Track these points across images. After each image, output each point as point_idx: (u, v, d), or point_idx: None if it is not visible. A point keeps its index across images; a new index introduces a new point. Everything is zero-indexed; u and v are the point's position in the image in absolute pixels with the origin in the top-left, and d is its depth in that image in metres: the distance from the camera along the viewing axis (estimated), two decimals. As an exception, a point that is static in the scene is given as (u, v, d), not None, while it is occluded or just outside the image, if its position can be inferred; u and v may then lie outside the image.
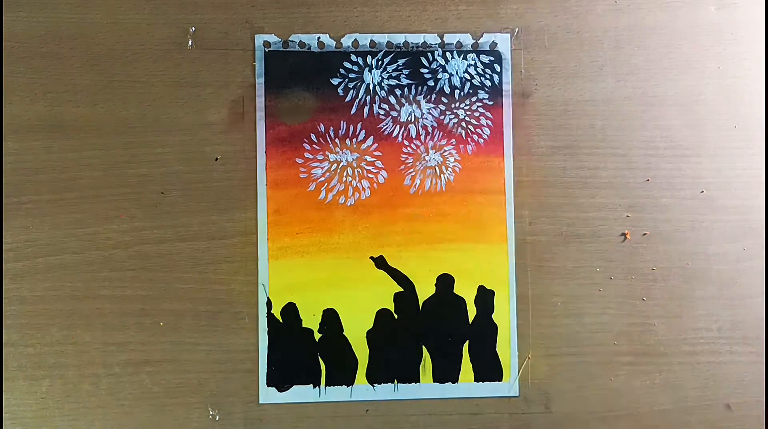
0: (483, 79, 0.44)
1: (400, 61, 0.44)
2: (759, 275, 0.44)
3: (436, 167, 0.44)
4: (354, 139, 0.44)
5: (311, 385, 0.43)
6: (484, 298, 0.43)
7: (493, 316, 0.43)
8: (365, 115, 0.44)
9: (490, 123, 0.44)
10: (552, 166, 0.44)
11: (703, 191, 0.45)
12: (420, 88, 0.44)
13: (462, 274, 0.43)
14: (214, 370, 0.42)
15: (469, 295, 0.44)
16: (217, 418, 0.42)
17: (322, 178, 0.43)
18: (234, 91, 0.43)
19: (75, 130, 0.42)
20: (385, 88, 0.44)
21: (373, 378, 0.43)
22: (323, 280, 0.43)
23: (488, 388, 0.43)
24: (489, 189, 0.44)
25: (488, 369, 0.43)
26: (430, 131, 0.44)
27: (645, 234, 0.44)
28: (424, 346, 0.43)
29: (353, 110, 0.44)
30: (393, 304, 0.43)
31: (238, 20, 0.43)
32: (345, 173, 0.43)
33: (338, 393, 0.43)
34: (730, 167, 0.45)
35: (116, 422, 0.42)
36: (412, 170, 0.44)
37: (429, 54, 0.44)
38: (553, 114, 0.44)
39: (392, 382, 0.43)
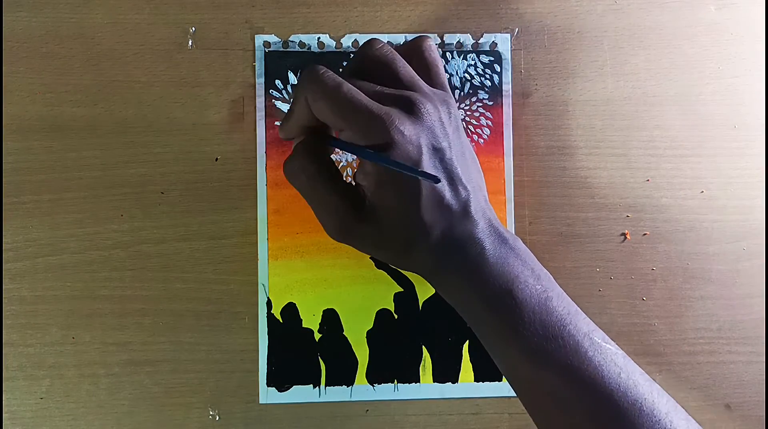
0: (483, 79, 0.44)
1: (400, 61, 0.44)
2: (759, 275, 0.44)
3: (436, 167, 0.44)
4: (354, 139, 0.43)
5: (311, 385, 0.43)
6: (484, 298, 0.43)
7: (493, 316, 0.43)
8: (365, 115, 0.44)
9: (490, 123, 0.44)
10: (552, 166, 0.44)
11: (703, 191, 0.45)
12: (420, 88, 0.44)
13: (462, 274, 0.43)
14: (214, 370, 0.42)
15: (469, 295, 0.43)
16: (217, 419, 0.42)
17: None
18: (234, 91, 0.43)
19: (75, 130, 0.42)
20: (385, 88, 0.44)
21: (373, 378, 0.43)
22: (323, 280, 0.43)
23: (488, 388, 0.43)
24: (489, 189, 0.43)
25: (488, 369, 0.43)
26: (430, 131, 0.44)
27: (645, 234, 0.44)
28: (424, 346, 0.43)
29: (353, 110, 0.43)
30: (393, 304, 0.43)
31: (238, 20, 0.43)
32: (345, 173, 0.43)
33: (338, 393, 0.43)
34: (730, 167, 0.45)
35: (116, 422, 0.42)
36: (412, 170, 0.44)
37: (429, 54, 0.44)
38: (553, 114, 0.44)
39: (392, 382, 0.43)
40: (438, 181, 0.31)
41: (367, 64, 0.35)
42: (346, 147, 0.33)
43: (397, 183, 0.33)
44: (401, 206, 0.33)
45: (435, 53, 0.37)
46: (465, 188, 0.34)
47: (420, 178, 0.32)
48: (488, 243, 0.34)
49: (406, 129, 0.32)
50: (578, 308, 0.34)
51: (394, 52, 0.35)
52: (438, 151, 0.33)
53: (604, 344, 0.33)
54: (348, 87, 0.32)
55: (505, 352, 0.33)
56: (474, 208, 0.34)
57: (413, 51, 0.37)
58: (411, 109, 0.33)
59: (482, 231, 0.34)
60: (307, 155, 0.34)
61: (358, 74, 0.35)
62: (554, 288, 0.34)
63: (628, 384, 0.32)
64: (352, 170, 0.43)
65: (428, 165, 0.33)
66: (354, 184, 0.35)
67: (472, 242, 0.34)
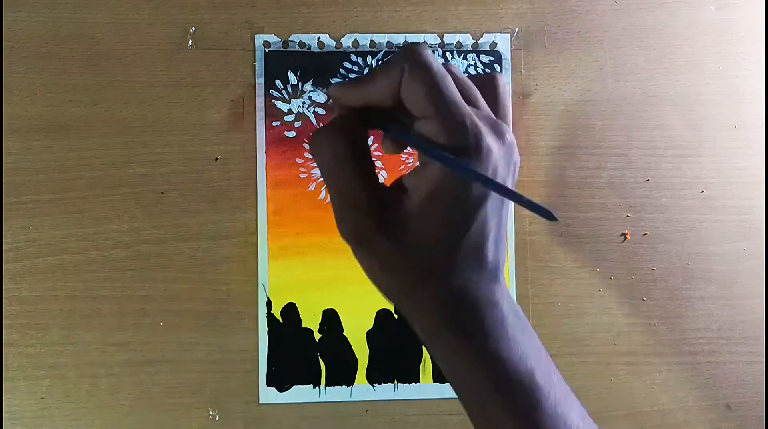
0: (483, 79, 0.44)
1: (400, 61, 0.44)
2: (759, 275, 0.44)
3: (436, 167, 0.44)
4: (354, 139, 0.43)
5: (311, 385, 0.43)
6: (484, 298, 0.43)
7: (493, 316, 0.43)
8: (365, 115, 0.44)
9: (490, 123, 0.44)
10: (552, 166, 0.44)
11: (703, 191, 0.45)
12: (420, 88, 0.44)
13: (462, 274, 0.43)
14: (214, 370, 0.42)
15: (469, 295, 0.43)
16: (217, 418, 0.42)
17: (322, 179, 0.43)
18: (234, 91, 0.43)
19: (75, 130, 0.42)
20: (385, 88, 0.44)
21: (373, 378, 0.43)
22: (323, 280, 0.43)
23: (488, 388, 0.43)
24: (489, 189, 0.44)
25: (488, 369, 0.43)
26: (430, 131, 0.44)
27: (645, 234, 0.44)
28: (424, 346, 0.43)
29: (353, 110, 0.43)
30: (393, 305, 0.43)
31: (238, 20, 0.43)
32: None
33: (338, 393, 0.43)
34: (730, 167, 0.45)
35: (116, 422, 0.42)
36: (412, 170, 0.44)
37: (429, 54, 0.44)
38: (553, 114, 0.44)
39: (392, 382, 0.43)
40: (554, 218, 0.25)
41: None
42: (423, 144, 0.27)
43: (453, 201, 0.27)
44: (441, 230, 0.28)
45: (507, 92, 0.31)
46: (504, 246, 0.29)
47: (529, 207, 0.25)
48: (510, 314, 0.28)
49: (494, 149, 0.27)
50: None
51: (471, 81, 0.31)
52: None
53: None
54: (451, 81, 0.28)
55: None
56: (502, 271, 0.29)
57: (486, 86, 0.32)
58: (499, 133, 0.28)
59: (506, 298, 0.29)
60: (343, 131, 0.29)
61: None
62: (562, 378, 0.29)
63: None
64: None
65: (495, 197, 0.28)
66: (385, 186, 0.29)
67: (495, 307, 0.28)
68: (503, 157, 0.28)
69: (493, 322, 0.28)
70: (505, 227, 0.30)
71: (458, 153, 0.27)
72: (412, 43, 0.29)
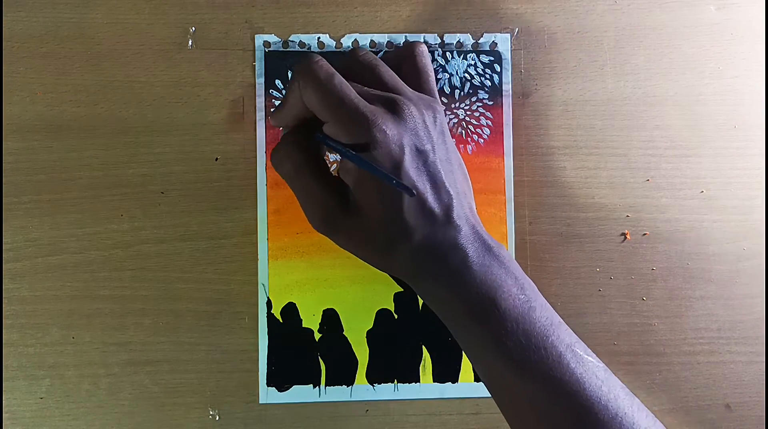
0: (483, 79, 0.44)
1: (400, 61, 0.44)
2: (759, 275, 0.44)
3: (436, 167, 0.44)
4: (354, 139, 0.43)
5: (311, 385, 0.43)
6: (484, 298, 0.43)
7: (493, 316, 0.43)
8: (365, 115, 0.44)
9: (490, 123, 0.44)
10: (552, 166, 0.44)
11: (703, 191, 0.45)
12: (420, 88, 0.44)
13: (462, 274, 0.43)
14: (214, 370, 0.42)
15: (469, 295, 0.43)
16: (217, 418, 0.42)
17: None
18: (234, 91, 0.43)
19: (75, 130, 0.42)
20: (385, 88, 0.44)
21: (373, 378, 0.43)
22: (323, 280, 0.43)
23: (488, 388, 0.43)
24: (489, 189, 0.44)
25: (488, 369, 0.43)
26: (430, 131, 0.44)
27: (645, 234, 0.44)
28: (424, 346, 0.43)
29: (353, 110, 0.44)
30: (393, 304, 0.43)
31: (238, 20, 0.43)
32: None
33: (338, 393, 0.43)
34: (730, 167, 0.45)
35: (116, 422, 0.42)
36: (412, 170, 0.44)
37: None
38: (553, 114, 0.44)
39: (392, 382, 0.43)
40: (413, 194, 0.31)
41: (351, 68, 0.35)
42: (330, 143, 0.33)
43: (377, 183, 0.33)
44: (382, 206, 0.33)
45: (426, 59, 0.37)
46: (448, 193, 0.34)
47: (395, 186, 0.32)
48: (471, 250, 0.34)
49: (389, 128, 0.32)
50: (561, 319, 0.34)
51: (377, 58, 0.36)
52: (421, 154, 0.33)
53: (586, 357, 0.33)
54: (340, 80, 0.33)
55: (487, 360, 0.33)
56: (457, 213, 0.34)
57: (405, 55, 0.37)
58: (394, 110, 0.33)
59: (465, 238, 0.34)
60: (294, 144, 0.34)
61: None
62: (537, 298, 0.34)
63: (609, 397, 0.32)
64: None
65: (410, 166, 0.33)
66: (338, 177, 0.35)
67: (455, 249, 0.33)
68: (408, 129, 0.33)
69: (456, 262, 0.33)
70: (444, 178, 0.34)
71: (360, 148, 0.32)
72: (304, 57, 0.34)
